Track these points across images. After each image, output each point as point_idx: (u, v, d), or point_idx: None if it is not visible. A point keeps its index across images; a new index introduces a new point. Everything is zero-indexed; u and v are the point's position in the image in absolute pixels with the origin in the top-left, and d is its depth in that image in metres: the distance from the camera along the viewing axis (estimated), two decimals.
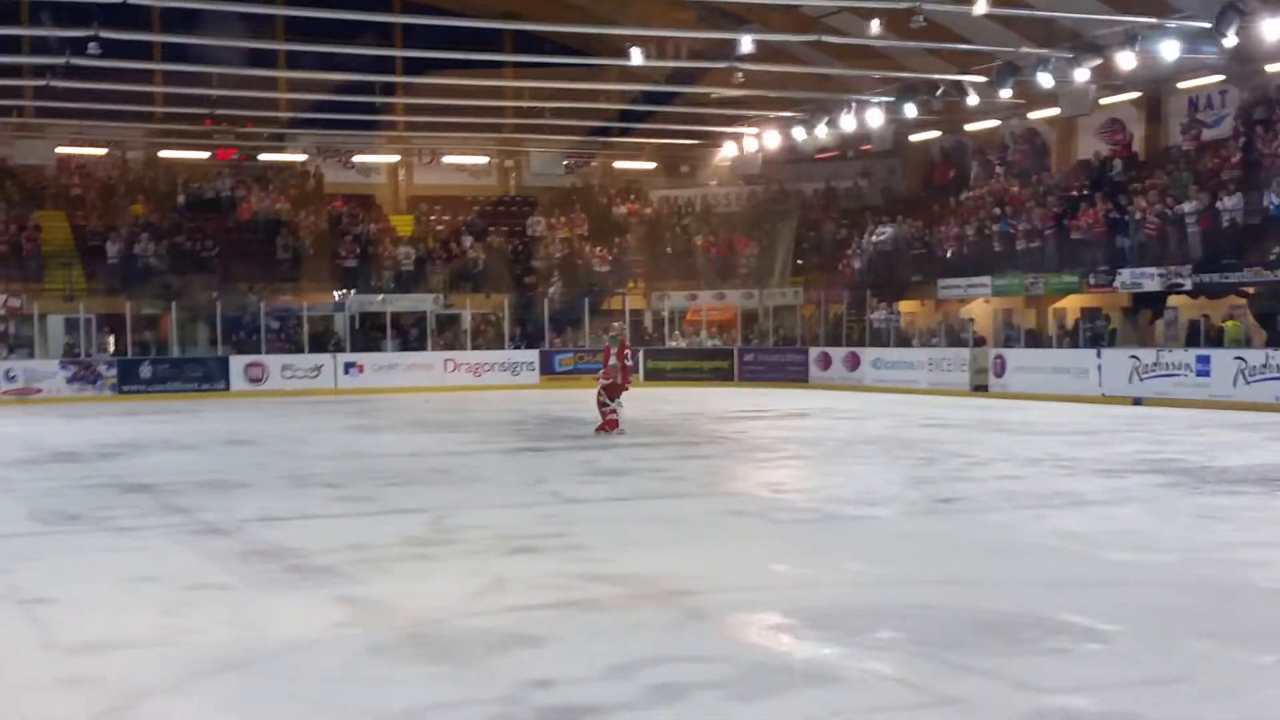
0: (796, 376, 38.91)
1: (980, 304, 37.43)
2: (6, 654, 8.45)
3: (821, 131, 39.61)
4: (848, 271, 41.45)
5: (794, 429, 25.16)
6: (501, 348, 40.78)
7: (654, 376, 40.54)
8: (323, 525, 13.43)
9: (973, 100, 35.75)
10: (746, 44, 31.44)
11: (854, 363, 37.74)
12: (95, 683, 7.79)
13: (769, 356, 40.92)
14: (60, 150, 42.82)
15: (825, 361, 38.61)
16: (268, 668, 8.08)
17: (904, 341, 37.96)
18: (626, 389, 23.53)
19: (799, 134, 40.66)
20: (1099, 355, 31.15)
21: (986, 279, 36.11)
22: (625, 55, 35.94)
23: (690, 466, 18.69)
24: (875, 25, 31.07)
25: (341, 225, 43.28)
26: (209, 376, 37.25)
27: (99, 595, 10.14)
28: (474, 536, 12.52)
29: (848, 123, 38.15)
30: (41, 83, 35.58)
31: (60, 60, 32.43)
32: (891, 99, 37.02)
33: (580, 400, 32.91)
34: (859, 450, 20.78)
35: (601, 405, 23.27)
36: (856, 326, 39.36)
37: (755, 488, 16.82)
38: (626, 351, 23.78)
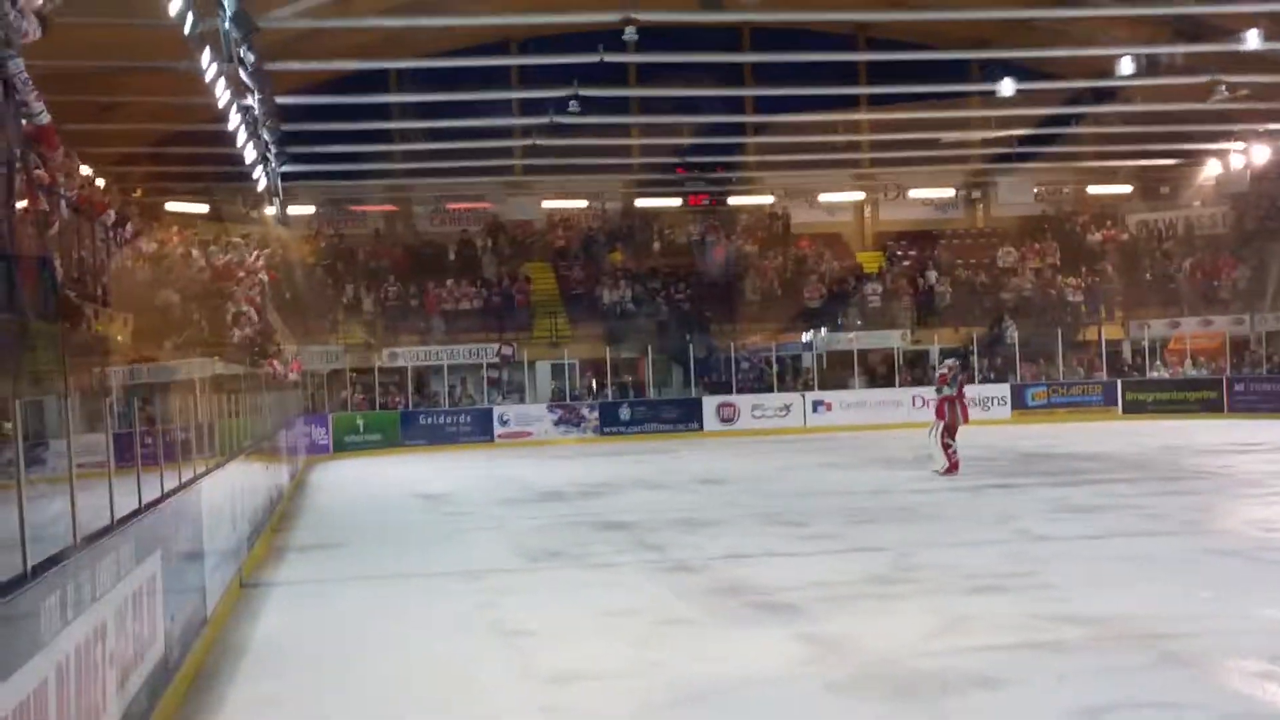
0: None
1: None
2: (490, 682, 9.04)
3: None
4: None
5: None
6: (971, 382, 39.96)
7: (1133, 409, 38.70)
8: (787, 563, 13.59)
9: None
10: (1252, 40, 29.39)
11: None
12: (568, 711, 8.21)
13: (1264, 385, 38.20)
14: (545, 204, 45.47)
15: None
16: (728, 701, 8.27)
17: None
18: (959, 425, 22.47)
19: None
20: None
21: None
22: (1098, 76, 34.66)
23: (1171, 503, 17.74)
24: None
25: (808, 265, 43.83)
26: (683, 417, 38.42)
27: (575, 628, 10.67)
28: (936, 575, 12.36)
29: None
30: (528, 142, 38.01)
31: (544, 120, 34.48)
32: None
33: (1056, 435, 31.94)
34: None
35: (945, 446, 22.43)
36: None
37: (1242, 525, 15.77)
38: (961, 389, 22.91)
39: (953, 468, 22.21)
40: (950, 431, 22.45)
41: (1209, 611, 10.25)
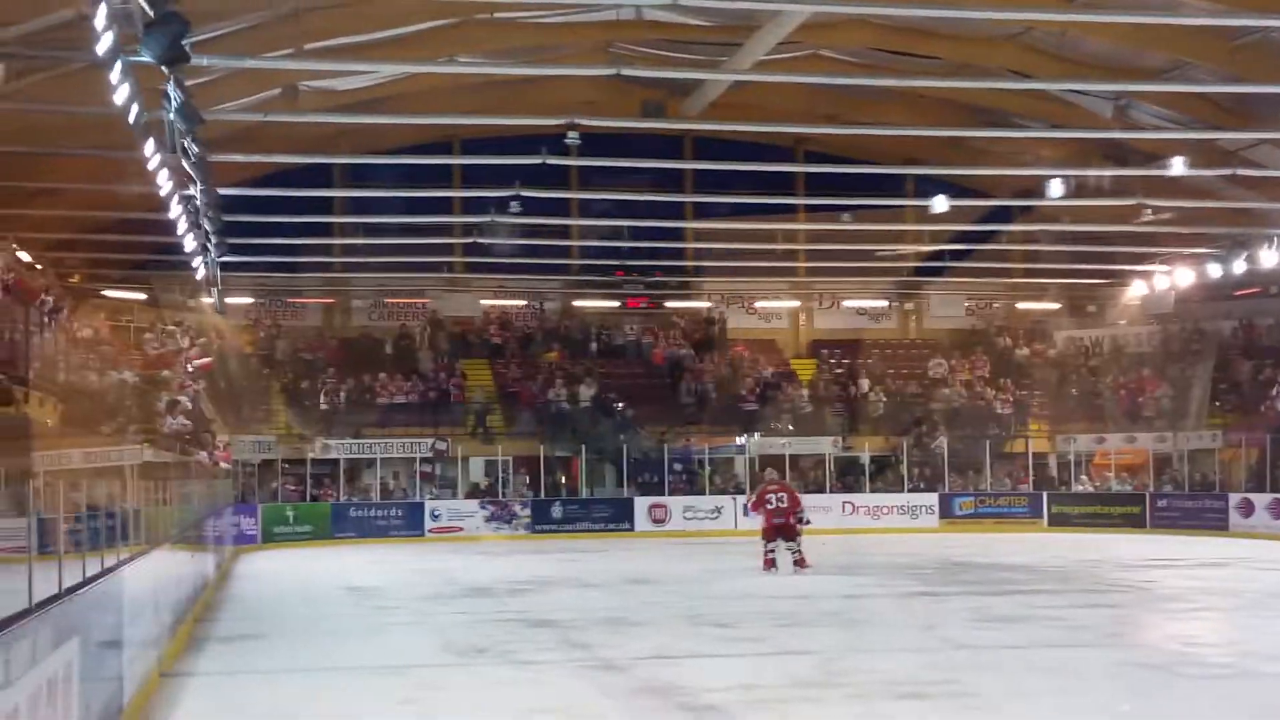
0: (1215, 524, 36.61)
1: None
2: None
3: (1239, 267, 37.77)
4: (1271, 413, 39.00)
5: (1210, 579, 23.70)
6: (900, 490, 40.35)
7: (1058, 522, 39.06)
8: (713, 664, 13.63)
9: None
10: (1178, 166, 30.33)
11: None
12: None
13: (1184, 502, 38.75)
14: (484, 302, 45.61)
15: (1247, 508, 36.24)
16: None
17: None
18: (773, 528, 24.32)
19: (1214, 270, 38.89)
20: None
21: None
22: (1028, 195, 35.45)
23: (1093, 615, 17.93)
24: None
25: (743, 369, 44.15)
26: (615, 517, 38.37)
27: None
28: (861, 680, 12.43)
29: (1268, 258, 36.18)
30: (469, 240, 38.21)
31: (485, 219, 34.71)
32: None
33: (982, 545, 32.17)
34: None
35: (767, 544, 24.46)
36: None
37: (1163, 640, 16.00)
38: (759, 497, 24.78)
39: (764, 564, 24.38)
40: (773, 533, 24.39)
41: None
